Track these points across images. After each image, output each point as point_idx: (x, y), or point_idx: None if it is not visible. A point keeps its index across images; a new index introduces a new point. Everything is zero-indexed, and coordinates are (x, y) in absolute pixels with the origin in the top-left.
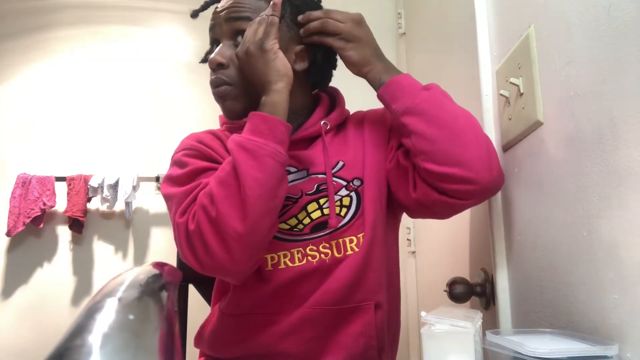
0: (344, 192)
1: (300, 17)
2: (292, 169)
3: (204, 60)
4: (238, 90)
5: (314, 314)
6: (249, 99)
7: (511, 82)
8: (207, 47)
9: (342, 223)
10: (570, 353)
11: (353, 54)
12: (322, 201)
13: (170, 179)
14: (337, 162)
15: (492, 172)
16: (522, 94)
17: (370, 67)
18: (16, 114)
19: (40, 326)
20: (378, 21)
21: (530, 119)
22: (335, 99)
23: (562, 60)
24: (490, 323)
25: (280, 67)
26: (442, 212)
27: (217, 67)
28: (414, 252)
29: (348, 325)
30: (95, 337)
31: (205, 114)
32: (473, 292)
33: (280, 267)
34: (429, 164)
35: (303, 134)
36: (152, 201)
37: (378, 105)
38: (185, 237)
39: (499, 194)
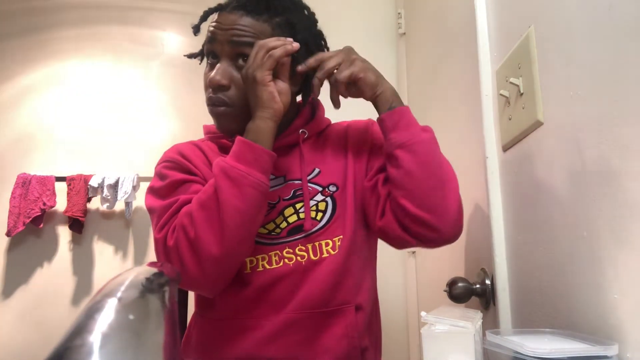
0: (319, 197)
1: (299, 68)
2: (270, 176)
3: (191, 55)
4: (236, 112)
5: (298, 318)
6: (245, 121)
7: (511, 82)
8: None
9: (318, 227)
10: (570, 353)
11: (370, 75)
12: (298, 206)
13: (152, 191)
14: (313, 170)
15: (456, 228)
16: (522, 94)
17: (382, 87)
18: (16, 114)
19: (40, 326)
20: (378, 21)
21: (530, 119)
22: (314, 107)
23: (562, 60)
24: (490, 323)
25: (266, 99)
26: (398, 245)
27: (218, 88)
28: (414, 252)
29: (331, 328)
30: (95, 337)
31: (203, 114)
32: (473, 292)
33: (258, 270)
34: (406, 202)
35: (281, 142)
36: None
37: (360, 114)
38: (163, 252)
39: (498, 194)
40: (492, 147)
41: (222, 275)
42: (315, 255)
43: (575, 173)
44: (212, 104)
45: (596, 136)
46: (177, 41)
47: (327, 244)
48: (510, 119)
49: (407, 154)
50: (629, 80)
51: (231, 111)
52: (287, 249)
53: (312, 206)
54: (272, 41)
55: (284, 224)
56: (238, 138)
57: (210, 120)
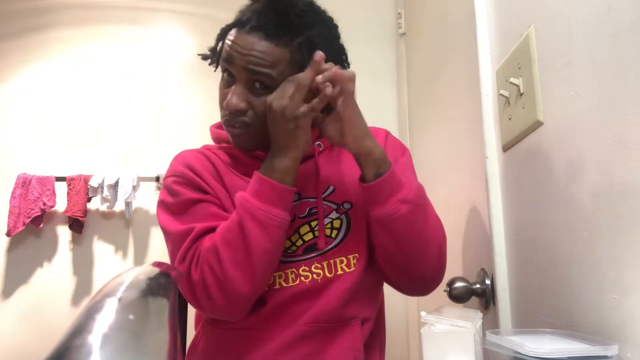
0: (334, 215)
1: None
2: None
3: (206, 57)
4: (255, 132)
5: (309, 331)
6: (262, 137)
7: (511, 82)
8: (206, 47)
9: (333, 245)
10: (570, 353)
11: (362, 120)
12: (313, 224)
13: (164, 205)
14: (328, 187)
15: (435, 284)
16: (522, 94)
17: (370, 142)
18: (16, 114)
19: (40, 326)
20: (378, 21)
21: (530, 119)
22: None
23: (562, 60)
24: (490, 323)
25: (303, 143)
26: None
27: (236, 112)
28: None
29: (338, 341)
30: (95, 337)
31: (204, 114)
32: (473, 292)
33: (275, 287)
34: (387, 269)
35: None
36: (152, 201)
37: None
38: (186, 285)
39: (498, 194)
40: (492, 147)
41: (249, 306)
42: (330, 272)
43: (575, 173)
44: (230, 125)
45: (596, 136)
46: (177, 41)
47: (341, 262)
48: (510, 119)
49: (384, 231)
50: (629, 80)
51: (250, 131)
52: (303, 267)
53: (327, 224)
54: (299, 76)
55: (299, 242)
56: (260, 177)
57: (213, 121)
